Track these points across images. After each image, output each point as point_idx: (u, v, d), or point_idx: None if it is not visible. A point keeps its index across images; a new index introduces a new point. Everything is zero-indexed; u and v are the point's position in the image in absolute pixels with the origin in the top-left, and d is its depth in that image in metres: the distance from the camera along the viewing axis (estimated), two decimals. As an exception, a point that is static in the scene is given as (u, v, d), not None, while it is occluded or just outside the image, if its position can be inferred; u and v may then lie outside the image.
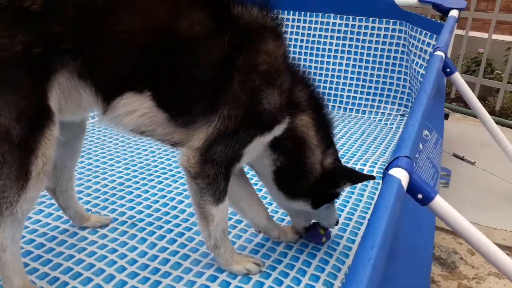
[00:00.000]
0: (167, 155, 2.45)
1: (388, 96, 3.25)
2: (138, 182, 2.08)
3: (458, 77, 2.07)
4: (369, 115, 3.26)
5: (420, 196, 1.15)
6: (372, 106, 3.28)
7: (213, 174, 1.26)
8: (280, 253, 1.56)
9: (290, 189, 1.43)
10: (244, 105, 1.25)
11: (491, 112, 3.78)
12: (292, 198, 1.44)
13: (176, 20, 1.20)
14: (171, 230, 1.68)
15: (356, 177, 1.44)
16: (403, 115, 3.19)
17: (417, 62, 2.86)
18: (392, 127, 3.04)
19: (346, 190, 1.99)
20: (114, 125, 1.30)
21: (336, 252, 1.57)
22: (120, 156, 2.41)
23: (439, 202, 1.14)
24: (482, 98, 3.88)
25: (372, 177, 1.39)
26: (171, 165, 2.30)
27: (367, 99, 3.30)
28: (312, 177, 1.40)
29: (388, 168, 1.14)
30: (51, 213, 1.75)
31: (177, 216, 1.79)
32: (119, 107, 1.23)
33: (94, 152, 2.44)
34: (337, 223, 1.58)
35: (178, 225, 1.72)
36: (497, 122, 3.48)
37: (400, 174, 1.09)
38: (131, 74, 1.22)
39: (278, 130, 1.32)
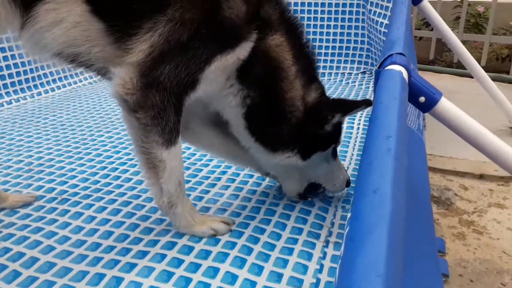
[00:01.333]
0: (107, 127, 2.09)
1: (347, 54, 3.06)
2: (71, 157, 1.72)
3: (427, 5, 1.89)
4: (329, 77, 3.05)
5: (422, 99, 0.91)
6: (331, 67, 3.08)
7: (160, 104, 0.94)
8: (252, 209, 1.28)
9: (269, 137, 1.13)
10: (200, 7, 0.95)
11: (449, 66, 3.72)
12: (274, 151, 1.14)
13: None
14: (114, 200, 1.35)
15: (347, 105, 1.13)
16: (364, 72, 3.01)
17: (375, 12, 2.69)
18: (354, 85, 2.84)
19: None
20: (35, 46, 0.96)
21: (317, 199, 1.32)
22: (49, 133, 2.02)
23: (446, 105, 0.91)
24: (438, 53, 3.81)
25: (369, 102, 1.09)
26: (112, 137, 1.95)
27: (325, 61, 3.09)
28: (293, 117, 1.11)
29: (381, 67, 0.90)
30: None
31: (121, 186, 1.46)
32: (41, 16, 0.91)
33: (18, 132, 2.04)
34: (348, 184, 1.27)
35: (122, 194, 1.39)
36: (457, 74, 3.41)
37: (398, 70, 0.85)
38: None
39: (243, 50, 1.02)
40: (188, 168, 1.57)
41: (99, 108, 2.45)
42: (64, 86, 2.95)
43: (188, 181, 1.46)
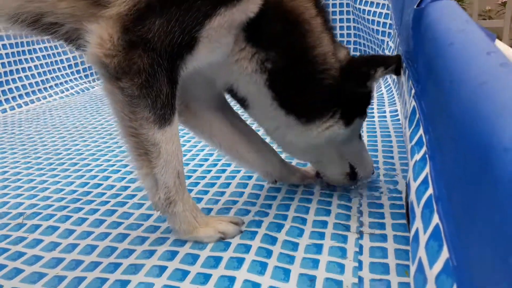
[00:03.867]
0: (82, 136, 1.86)
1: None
2: (42, 169, 1.49)
3: None
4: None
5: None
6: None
7: (149, 69, 0.74)
8: (263, 205, 1.08)
9: (303, 106, 0.93)
10: None
11: None
12: (312, 121, 0.94)
13: None
14: (96, 210, 1.13)
15: (387, 58, 0.95)
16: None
17: (361, 1, 2.57)
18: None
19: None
20: None
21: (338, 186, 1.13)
22: (16, 147, 1.78)
23: (501, 47, 0.75)
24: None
25: (400, 57, 0.93)
26: (88, 145, 1.73)
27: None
28: (329, 77, 0.91)
29: (420, 5, 0.73)
30: None
31: (103, 194, 1.24)
32: None
33: (-22, 148, 1.79)
34: (373, 170, 1.12)
35: (105, 203, 1.17)
36: None
37: (444, 7, 0.68)
38: None
39: (251, 5, 0.82)
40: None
41: (72, 119, 2.22)
42: (32, 101, 2.70)
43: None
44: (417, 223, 0.53)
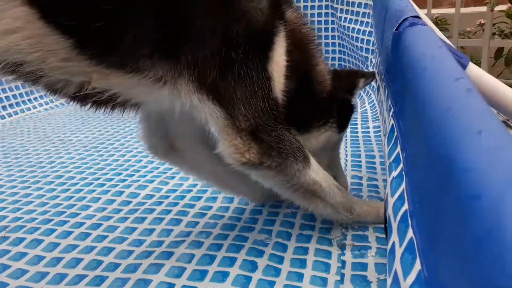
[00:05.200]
0: (67, 149, 1.86)
1: (318, 65, 2.97)
2: (26, 181, 1.48)
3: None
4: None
5: (447, 65, 0.79)
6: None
7: (272, 139, 0.82)
8: (249, 220, 1.10)
9: (304, 117, 1.00)
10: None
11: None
12: (310, 130, 1.01)
13: None
14: (81, 224, 1.13)
15: (365, 73, 1.12)
16: (338, 82, 2.93)
17: (345, 18, 2.64)
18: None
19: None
20: None
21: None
22: (-1, 160, 1.76)
23: (474, 70, 0.80)
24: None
25: (374, 74, 1.11)
26: (73, 157, 1.72)
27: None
28: (327, 87, 1.02)
29: (398, 29, 0.77)
30: None
31: (88, 207, 1.24)
32: None
33: (-40, 160, 1.77)
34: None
35: (91, 216, 1.17)
36: None
37: (420, 32, 0.73)
38: None
39: (281, 45, 0.85)
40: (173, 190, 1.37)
41: (57, 131, 2.21)
42: (16, 113, 2.68)
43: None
44: (394, 237, 0.55)
